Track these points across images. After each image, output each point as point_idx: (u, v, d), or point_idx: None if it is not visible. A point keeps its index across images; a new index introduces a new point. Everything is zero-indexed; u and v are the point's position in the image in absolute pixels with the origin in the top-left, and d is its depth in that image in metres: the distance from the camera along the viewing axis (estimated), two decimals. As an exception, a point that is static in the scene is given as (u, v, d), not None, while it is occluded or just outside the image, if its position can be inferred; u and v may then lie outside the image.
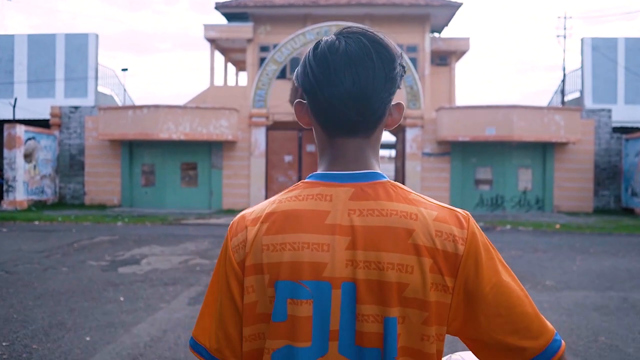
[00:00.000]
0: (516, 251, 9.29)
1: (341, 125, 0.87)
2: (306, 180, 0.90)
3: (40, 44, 20.49)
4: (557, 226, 13.58)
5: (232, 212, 17.27)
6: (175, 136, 16.77)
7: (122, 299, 5.59)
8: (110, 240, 10.38)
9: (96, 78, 20.42)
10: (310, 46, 0.90)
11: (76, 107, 18.66)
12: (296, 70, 0.92)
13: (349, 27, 0.89)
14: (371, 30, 0.88)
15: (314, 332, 0.81)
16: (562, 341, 0.86)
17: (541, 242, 10.63)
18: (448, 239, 0.83)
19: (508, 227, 13.62)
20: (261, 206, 0.91)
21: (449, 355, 1.03)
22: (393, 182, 0.88)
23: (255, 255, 0.85)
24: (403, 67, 0.90)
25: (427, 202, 0.87)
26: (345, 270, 0.81)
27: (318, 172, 0.91)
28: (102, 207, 17.90)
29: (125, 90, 23.41)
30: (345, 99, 0.84)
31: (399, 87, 0.90)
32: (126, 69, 29.77)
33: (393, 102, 0.91)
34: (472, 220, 0.87)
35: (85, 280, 6.56)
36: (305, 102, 0.91)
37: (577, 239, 11.23)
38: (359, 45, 0.85)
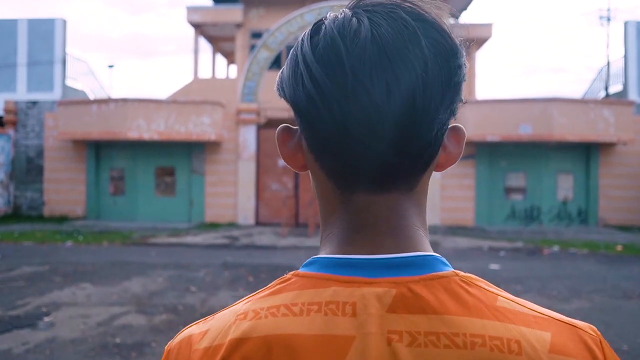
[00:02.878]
0: (599, 296, 6.46)
1: (367, 173, 0.49)
2: (302, 271, 0.51)
3: (0, 31, 17.78)
4: (619, 248, 10.76)
5: (216, 226, 14.50)
6: (147, 135, 14.02)
7: None
8: (33, 273, 7.62)
9: (64, 69, 17.66)
10: (307, 30, 0.51)
11: (34, 102, 15.95)
12: (280, 73, 0.54)
13: None
14: (411, 1, 0.50)
15: None
16: None
17: (618, 275, 7.83)
18: None
19: (555, 248, 10.81)
20: (221, 322, 0.49)
21: None
22: (463, 274, 0.50)
23: None
24: (466, 65, 0.51)
25: (529, 311, 0.49)
26: None
27: (323, 254, 0.51)
28: (63, 219, 15.16)
29: (101, 86, 20.62)
30: (375, 124, 0.47)
31: (462, 101, 0.51)
32: (112, 66, 27.13)
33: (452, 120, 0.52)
34: (605, 343, 0.50)
35: None
36: (296, 129, 0.54)
37: (662, 269, 8.43)
38: (396, 26, 0.47)
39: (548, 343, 0.46)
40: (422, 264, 0.48)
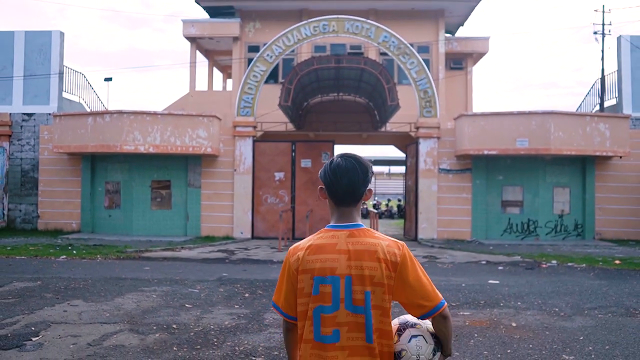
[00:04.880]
0: (602, 313, 6.35)
1: (343, 201, 1.76)
2: (326, 228, 1.78)
3: (-4, 43, 17.68)
4: (617, 262, 10.69)
5: (212, 239, 14.36)
6: (142, 148, 13.95)
7: None
8: (24, 289, 7.48)
9: (60, 82, 17.57)
10: (329, 160, 1.82)
11: (30, 115, 15.86)
12: (320, 171, 1.82)
13: (347, 153, 1.80)
14: (357, 156, 1.79)
15: (332, 299, 1.69)
16: (445, 302, 1.73)
17: (619, 291, 7.74)
18: (393, 255, 1.71)
19: (554, 262, 10.73)
20: (305, 241, 1.79)
21: (400, 317, 1.82)
22: (368, 228, 1.78)
23: (304, 265, 1.73)
24: (372, 173, 1.81)
25: (384, 237, 1.76)
26: (346, 271, 1.69)
27: (331, 223, 1.79)
28: (57, 233, 15.01)
29: (99, 99, 20.51)
30: (344, 190, 1.75)
31: (370, 182, 1.77)
32: (110, 79, 27.02)
33: (367, 188, 1.80)
34: (405, 246, 1.76)
35: None
36: (324, 188, 1.79)
37: (662, 285, 8.35)
38: (351, 163, 1.75)
39: (386, 244, 1.73)
40: (356, 225, 1.76)
